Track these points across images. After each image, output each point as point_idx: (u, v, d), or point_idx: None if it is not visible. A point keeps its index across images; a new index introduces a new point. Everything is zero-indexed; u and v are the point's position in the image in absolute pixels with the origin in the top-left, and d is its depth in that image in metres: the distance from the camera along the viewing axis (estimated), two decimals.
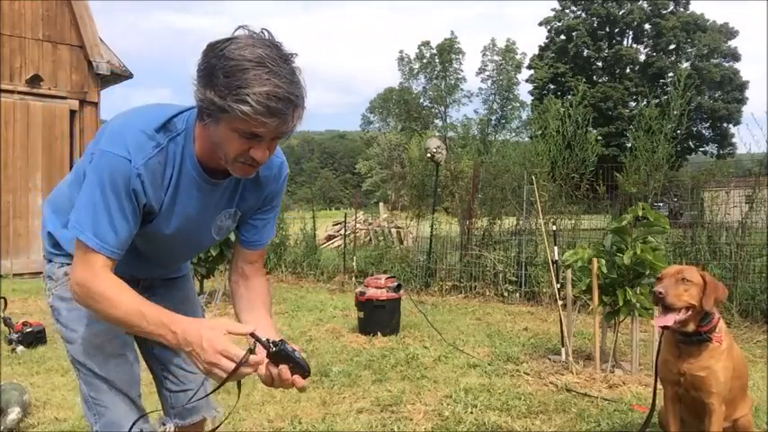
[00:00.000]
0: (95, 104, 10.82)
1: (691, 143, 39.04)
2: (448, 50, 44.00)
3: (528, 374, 4.23)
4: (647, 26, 42.34)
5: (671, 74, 37.90)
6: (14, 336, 4.83)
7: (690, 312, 2.44)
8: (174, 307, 1.46)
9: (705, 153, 40.14)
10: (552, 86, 41.24)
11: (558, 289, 4.90)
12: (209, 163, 1.46)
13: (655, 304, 2.57)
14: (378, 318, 5.47)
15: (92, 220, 1.37)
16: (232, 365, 1.27)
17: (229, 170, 1.41)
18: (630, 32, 43.14)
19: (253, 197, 1.62)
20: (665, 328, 2.48)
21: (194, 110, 1.42)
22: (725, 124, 40.88)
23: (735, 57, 40.89)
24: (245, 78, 1.23)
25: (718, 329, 2.47)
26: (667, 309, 2.45)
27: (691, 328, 2.47)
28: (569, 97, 8.31)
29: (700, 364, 2.45)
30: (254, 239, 1.69)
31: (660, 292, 2.44)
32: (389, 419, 3.35)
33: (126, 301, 1.37)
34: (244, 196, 1.60)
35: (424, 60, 45.27)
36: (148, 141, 1.38)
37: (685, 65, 39.54)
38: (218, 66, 1.25)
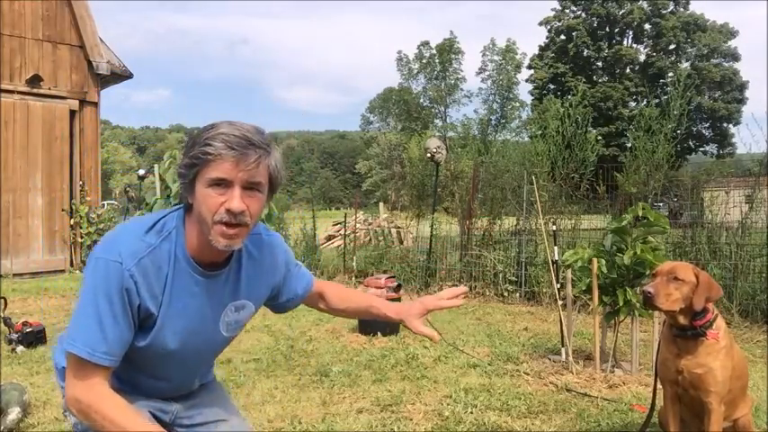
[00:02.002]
0: (95, 104, 10.82)
1: (691, 143, 39.09)
2: (447, 50, 43.96)
3: (528, 374, 4.23)
4: (647, 26, 42.37)
5: (671, 74, 37.94)
6: (14, 336, 4.83)
7: (677, 309, 2.44)
8: (208, 407, 1.59)
9: (705, 153, 40.19)
10: (552, 86, 41.27)
11: (558, 289, 4.90)
12: (202, 256, 1.46)
13: (643, 304, 2.57)
14: None
15: (82, 328, 1.35)
16: None
17: (213, 242, 1.37)
18: (630, 32, 43.17)
19: (261, 283, 1.62)
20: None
21: (182, 207, 1.47)
22: (725, 124, 40.92)
23: (735, 57, 40.92)
24: (208, 132, 1.36)
25: (715, 327, 2.47)
26: (656, 308, 2.46)
27: (682, 321, 2.47)
28: (569, 97, 8.31)
29: (697, 361, 2.45)
30: (301, 291, 1.78)
31: (649, 293, 2.44)
32: (389, 419, 3.36)
33: (129, 423, 1.35)
34: (252, 285, 1.59)
35: (424, 60, 45.23)
36: (140, 243, 1.39)
37: (685, 65, 39.62)
38: (191, 144, 1.39)
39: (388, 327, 5.48)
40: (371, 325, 5.47)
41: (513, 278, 7.65)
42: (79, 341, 1.35)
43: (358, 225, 11.56)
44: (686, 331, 2.48)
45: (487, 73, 43.80)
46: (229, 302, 1.55)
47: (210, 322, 1.54)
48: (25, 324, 4.91)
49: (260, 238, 1.61)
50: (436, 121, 45.79)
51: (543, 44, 44.29)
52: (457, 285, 7.93)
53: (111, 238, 1.42)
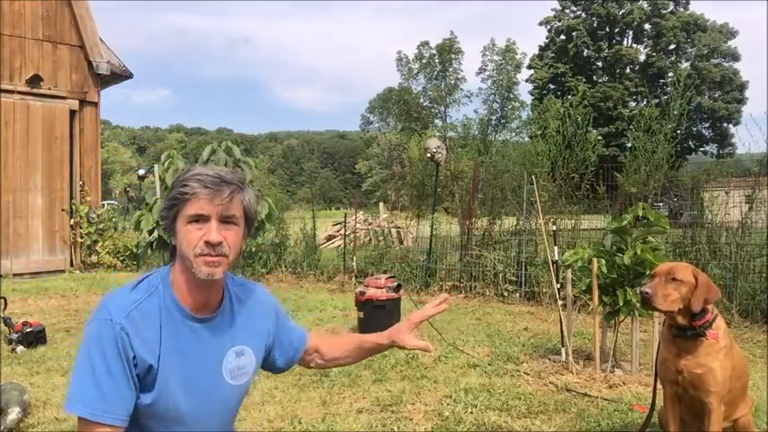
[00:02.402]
0: (95, 104, 10.82)
1: (691, 143, 39.08)
2: (447, 50, 43.93)
3: (528, 374, 4.23)
4: (647, 26, 42.36)
5: (671, 74, 37.94)
6: (14, 336, 4.83)
7: (675, 309, 2.45)
8: None
9: (705, 153, 40.21)
10: (552, 86, 41.26)
11: (558, 289, 4.90)
12: (193, 300, 1.50)
13: (642, 304, 2.58)
14: (378, 318, 5.47)
15: (78, 388, 1.37)
16: None
17: (196, 273, 1.43)
18: (630, 32, 43.17)
19: (256, 328, 1.64)
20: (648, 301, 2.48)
21: (167, 266, 1.55)
22: (725, 124, 40.92)
23: (735, 57, 40.92)
24: (184, 175, 1.47)
25: (715, 327, 2.47)
26: (654, 309, 2.46)
27: (681, 321, 2.47)
28: (569, 97, 8.32)
29: (697, 361, 2.45)
30: (297, 344, 1.78)
31: (647, 293, 2.44)
32: (389, 419, 3.36)
33: None
34: (247, 330, 1.61)
35: (424, 60, 45.21)
36: (127, 299, 1.45)
37: (685, 65, 39.62)
38: (171, 188, 1.49)
39: (389, 327, 5.46)
40: (371, 325, 5.46)
41: (513, 278, 7.65)
42: (78, 402, 1.36)
43: (358, 225, 11.57)
44: (686, 331, 2.48)
45: (487, 73, 43.74)
46: (229, 348, 1.56)
47: (213, 369, 1.54)
48: (25, 324, 4.91)
49: (246, 286, 1.68)
50: (436, 121, 45.74)
51: (543, 44, 44.29)
52: (457, 286, 7.99)
53: (100, 304, 1.47)
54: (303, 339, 1.81)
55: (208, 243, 1.41)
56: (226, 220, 1.44)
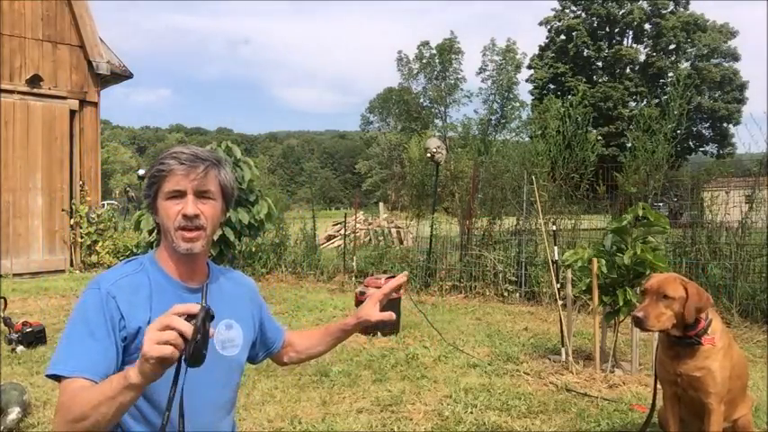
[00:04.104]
0: (95, 104, 10.82)
1: (691, 143, 39.09)
2: (447, 50, 43.90)
3: (528, 374, 4.23)
4: (647, 26, 42.34)
5: (671, 74, 37.91)
6: (14, 336, 4.83)
7: (669, 326, 2.45)
8: None
9: (705, 153, 40.20)
10: (552, 86, 41.23)
11: (558, 289, 4.90)
12: (180, 272, 1.56)
13: (637, 326, 2.57)
14: None
15: (59, 354, 1.41)
16: (179, 320, 1.17)
17: (176, 247, 1.50)
18: (630, 32, 43.15)
19: (243, 307, 1.71)
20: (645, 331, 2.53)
21: (153, 249, 1.63)
22: (725, 124, 40.90)
23: (735, 57, 40.91)
24: (162, 154, 1.55)
25: (710, 331, 2.47)
26: (648, 331, 2.49)
27: (676, 333, 2.47)
28: (569, 97, 8.31)
29: (695, 364, 2.45)
30: (274, 339, 1.86)
31: (639, 317, 2.45)
32: (389, 419, 3.36)
33: (90, 389, 1.31)
34: (235, 306, 1.66)
35: (424, 60, 45.18)
36: (115, 272, 1.53)
37: (685, 65, 39.61)
38: (150, 167, 1.57)
39: (389, 327, 5.47)
40: (371, 325, 5.45)
41: (513, 278, 7.65)
42: (59, 363, 1.39)
43: (358, 225, 11.58)
44: (682, 339, 2.49)
45: (487, 73, 43.68)
46: (219, 320, 1.59)
47: None
48: (25, 324, 4.91)
49: (232, 271, 1.77)
50: (436, 121, 45.67)
51: (543, 44, 44.28)
52: (457, 286, 7.99)
53: (90, 281, 1.53)
54: (282, 333, 1.88)
55: (185, 216, 1.49)
56: (202, 194, 1.51)
